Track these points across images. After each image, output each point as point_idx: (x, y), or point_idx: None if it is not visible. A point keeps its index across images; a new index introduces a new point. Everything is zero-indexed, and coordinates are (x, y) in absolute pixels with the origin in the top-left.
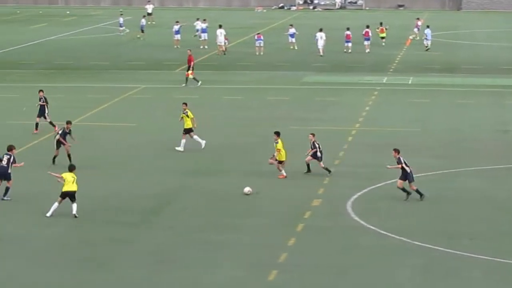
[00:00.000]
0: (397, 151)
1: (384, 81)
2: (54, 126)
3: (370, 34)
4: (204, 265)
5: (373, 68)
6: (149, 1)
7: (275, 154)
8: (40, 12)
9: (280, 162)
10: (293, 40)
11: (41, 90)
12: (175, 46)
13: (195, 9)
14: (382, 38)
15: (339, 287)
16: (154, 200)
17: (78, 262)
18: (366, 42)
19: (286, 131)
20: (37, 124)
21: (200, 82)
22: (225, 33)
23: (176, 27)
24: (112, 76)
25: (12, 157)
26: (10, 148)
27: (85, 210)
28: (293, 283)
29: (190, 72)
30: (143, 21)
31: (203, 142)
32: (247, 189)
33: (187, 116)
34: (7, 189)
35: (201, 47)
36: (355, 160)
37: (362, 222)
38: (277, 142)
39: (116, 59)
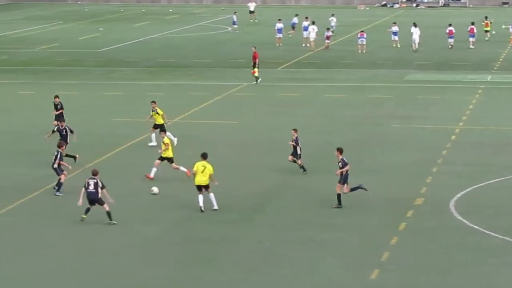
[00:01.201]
0: (340, 150)
1: (488, 79)
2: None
3: (475, 30)
4: (306, 264)
5: (477, 66)
6: None
7: (161, 150)
8: (143, 10)
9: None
10: (396, 38)
11: (56, 96)
12: (277, 44)
13: (297, 7)
14: (486, 31)
15: (440, 286)
16: (256, 198)
17: (181, 259)
18: (471, 39)
19: (389, 129)
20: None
21: (259, 80)
22: (316, 30)
23: (278, 25)
24: (215, 74)
25: (59, 153)
26: (60, 145)
27: (188, 208)
28: (395, 282)
29: (255, 69)
30: (295, 19)
31: (175, 140)
32: (155, 189)
33: (157, 113)
34: (59, 184)
35: (303, 45)
36: (458, 159)
37: (465, 222)
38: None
39: (219, 57)
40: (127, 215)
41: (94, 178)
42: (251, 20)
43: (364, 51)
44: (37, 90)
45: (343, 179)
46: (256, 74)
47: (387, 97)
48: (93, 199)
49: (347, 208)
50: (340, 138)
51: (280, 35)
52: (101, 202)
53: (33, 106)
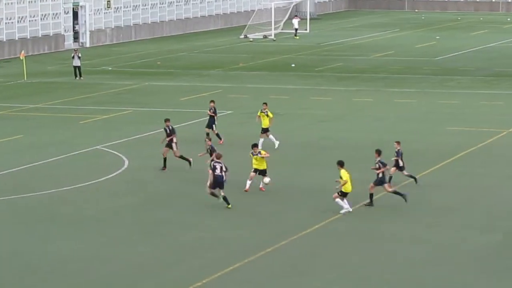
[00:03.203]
0: (378, 152)
1: None
2: (220, 138)
3: None
4: None
5: None
6: None
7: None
8: (481, 19)
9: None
10: None
11: (212, 101)
12: None
13: None
14: None
15: None
16: None
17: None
18: None
19: None
20: (207, 134)
21: None
22: None
23: None
24: None
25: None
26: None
27: None
28: None
29: None
30: None
31: (276, 143)
32: (267, 180)
33: (267, 115)
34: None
35: None
36: None
37: None
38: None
39: None
40: (463, 222)
41: (219, 162)
42: None
43: None
44: (373, 97)
45: (378, 180)
46: None
47: None
48: (220, 182)
49: None
50: None
51: None
52: (222, 186)
53: (369, 113)
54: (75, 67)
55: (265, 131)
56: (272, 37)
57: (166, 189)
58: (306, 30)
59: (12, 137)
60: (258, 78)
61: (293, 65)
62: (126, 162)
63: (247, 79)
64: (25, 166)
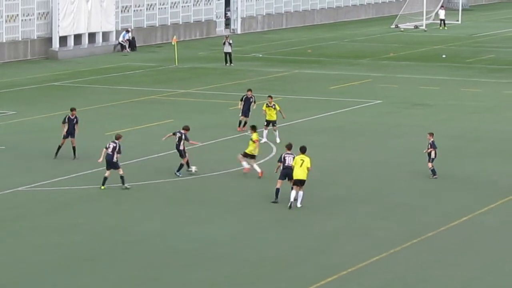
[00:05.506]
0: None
1: None
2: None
3: None
4: None
5: None
6: None
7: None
8: None
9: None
10: None
11: (249, 90)
12: None
13: None
14: None
15: None
16: None
17: None
18: None
19: None
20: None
21: None
22: None
23: None
24: None
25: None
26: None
27: None
28: None
29: None
30: None
31: (277, 140)
32: (194, 168)
33: (274, 108)
34: (180, 165)
35: None
36: None
37: None
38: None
39: None
40: None
41: (115, 142)
42: None
43: None
44: None
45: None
46: None
47: None
48: (108, 161)
49: None
50: None
51: None
52: (116, 166)
53: None
54: (226, 53)
55: (270, 123)
56: (424, 27)
57: (314, 176)
58: (457, 21)
59: (162, 121)
60: (408, 68)
61: (444, 56)
62: (274, 150)
63: (397, 69)
64: (174, 151)
